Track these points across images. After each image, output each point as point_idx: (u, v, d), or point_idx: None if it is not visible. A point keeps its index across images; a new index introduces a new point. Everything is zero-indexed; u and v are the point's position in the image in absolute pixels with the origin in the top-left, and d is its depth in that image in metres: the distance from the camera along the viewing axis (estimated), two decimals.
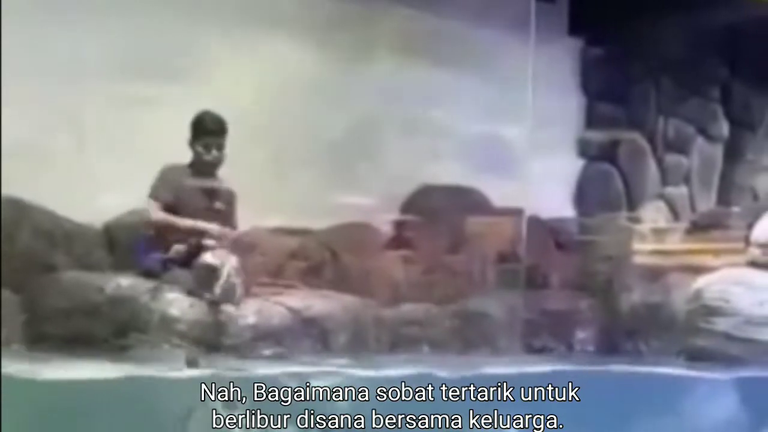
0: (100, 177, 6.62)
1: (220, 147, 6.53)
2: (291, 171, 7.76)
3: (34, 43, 6.54)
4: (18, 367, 4.71)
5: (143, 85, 6.87)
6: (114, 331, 5.78)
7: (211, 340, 5.91)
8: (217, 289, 6.01)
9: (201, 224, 6.37)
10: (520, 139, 8.06)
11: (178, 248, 6.29)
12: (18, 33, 6.30)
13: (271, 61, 7.79)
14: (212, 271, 6.07)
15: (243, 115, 7.36)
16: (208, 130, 6.51)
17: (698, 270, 7.75)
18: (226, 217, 6.59)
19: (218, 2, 7.57)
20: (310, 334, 6.35)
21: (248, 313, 6.12)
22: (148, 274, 6.20)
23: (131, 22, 7.00)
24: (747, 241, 7.71)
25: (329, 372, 5.11)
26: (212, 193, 6.56)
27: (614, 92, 10.14)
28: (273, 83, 7.75)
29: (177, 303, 5.94)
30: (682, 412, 6.03)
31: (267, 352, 6.04)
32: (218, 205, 6.57)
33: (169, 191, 6.43)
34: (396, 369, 5.66)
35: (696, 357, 7.12)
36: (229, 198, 6.65)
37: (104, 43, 6.88)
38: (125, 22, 6.99)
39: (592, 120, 10.12)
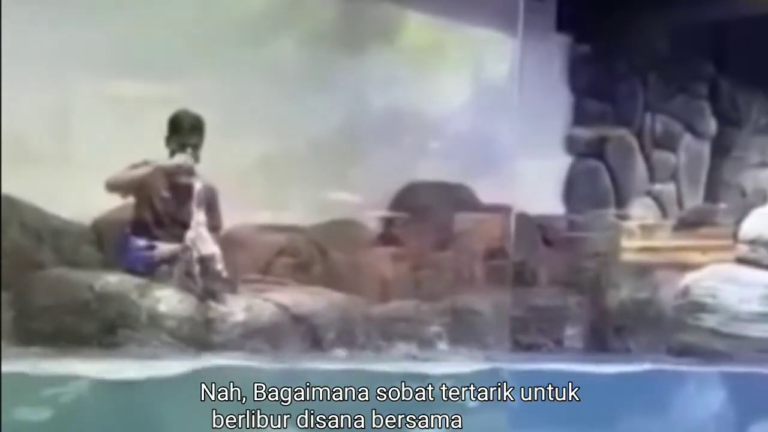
0: (88, 173, 6.58)
1: (196, 146, 6.50)
2: (279, 168, 7.75)
3: (21, 39, 6.51)
4: (7, 364, 4.69)
5: (132, 81, 6.85)
6: (103, 328, 5.76)
7: (200, 336, 5.90)
8: (204, 281, 6.02)
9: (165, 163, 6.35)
10: (508, 136, 8.05)
11: (163, 249, 6.27)
12: (6, 29, 6.27)
13: (258, 57, 7.77)
14: (201, 263, 6.07)
15: (231, 111, 7.37)
16: (184, 129, 6.47)
17: (686, 266, 7.79)
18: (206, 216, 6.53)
19: None
20: (299, 331, 6.34)
21: (237, 309, 6.11)
22: (133, 272, 6.18)
23: (120, 18, 6.98)
24: (735, 237, 7.73)
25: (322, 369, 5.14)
26: (188, 192, 6.50)
27: (602, 89, 10.16)
28: (260, 79, 7.73)
29: (166, 300, 5.92)
30: (669, 407, 6.05)
31: (256, 348, 6.04)
32: (194, 205, 6.49)
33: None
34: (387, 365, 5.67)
35: (683, 353, 7.15)
36: (209, 195, 6.57)
37: (93, 39, 6.85)
38: (114, 18, 6.96)
39: (579, 116, 10.14)
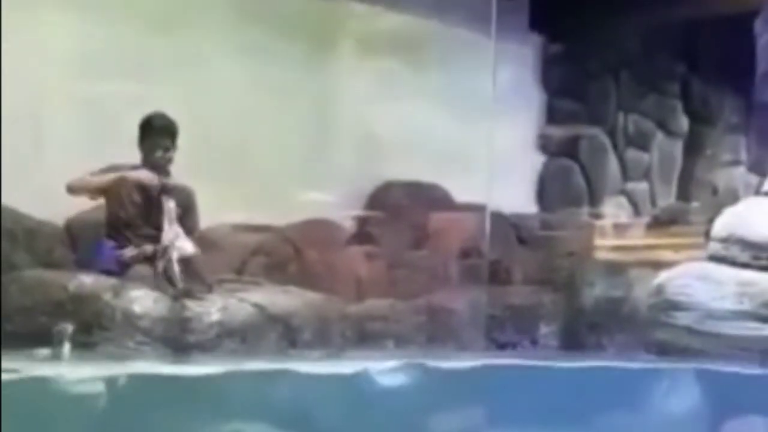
0: (60, 173, 6.53)
1: (167, 148, 6.41)
2: (253, 167, 7.73)
3: None
4: None
5: (105, 81, 6.82)
6: (78, 329, 5.71)
7: (175, 337, 5.87)
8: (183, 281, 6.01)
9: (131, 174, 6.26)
10: (481, 135, 8.07)
11: (136, 249, 6.22)
12: None
13: (233, 58, 7.75)
14: (181, 263, 6.06)
15: (204, 111, 7.35)
16: (154, 131, 6.38)
17: (659, 264, 7.80)
18: (182, 219, 6.48)
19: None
20: (275, 331, 6.31)
21: (213, 309, 6.08)
22: (106, 272, 6.14)
23: (95, 18, 6.96)
24: (707, 235, 7.76)
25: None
26: (161, 193, 6.44)
27: (574, 88, 10.22)
28: (235, 80, 7.72)
29: (140, 300, 5.88)
30: (644, 405, 6.07)
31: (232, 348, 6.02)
32: (171, 206, 6.43)
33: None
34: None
35: (658, 351, 7.16)
36: (185, 197, 6.51)
37: (67, 38, 6.83)
38: (89, 18, 6.94)
39: (552, 115, 10.18)
